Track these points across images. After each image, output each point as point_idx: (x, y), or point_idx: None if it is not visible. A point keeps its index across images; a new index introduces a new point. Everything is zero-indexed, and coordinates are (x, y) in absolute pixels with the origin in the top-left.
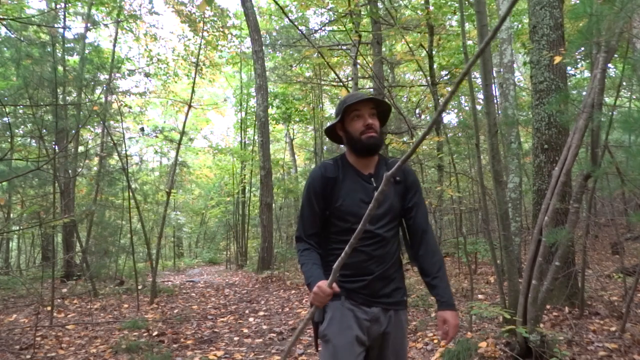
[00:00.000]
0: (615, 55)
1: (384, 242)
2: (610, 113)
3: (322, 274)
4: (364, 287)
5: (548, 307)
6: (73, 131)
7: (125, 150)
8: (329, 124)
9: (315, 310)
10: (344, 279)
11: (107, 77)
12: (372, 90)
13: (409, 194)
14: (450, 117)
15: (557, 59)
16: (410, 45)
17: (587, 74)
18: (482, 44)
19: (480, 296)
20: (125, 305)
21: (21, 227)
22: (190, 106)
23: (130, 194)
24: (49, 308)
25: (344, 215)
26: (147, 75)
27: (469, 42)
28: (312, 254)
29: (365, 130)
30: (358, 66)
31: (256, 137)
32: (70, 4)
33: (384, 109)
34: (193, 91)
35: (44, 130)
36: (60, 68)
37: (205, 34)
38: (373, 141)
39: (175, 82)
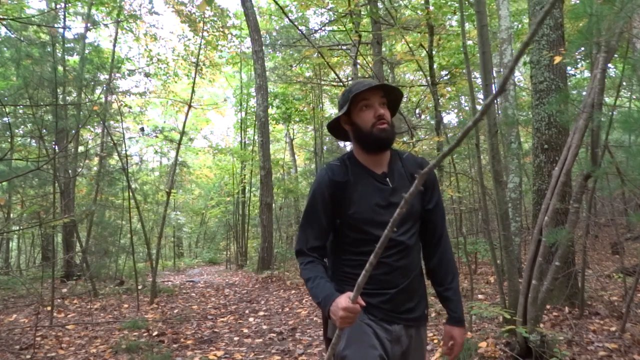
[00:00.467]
0: (615, 55)
1: (407, 250)
2: (610, 113)
3: (334, 288)
4: (386, 301)
5: (548, 307)
6: (73, 131)
7: (125, 150)
8: (332, 119)
9: (340, 333)
10: (364, 290)
11: (107, 77)
12: None
13: (428, 193)
14: (450, 117)
15: (557, 59)
16: (410, 45)
17: (587, 74)
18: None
19: (480, 296)
20: (125, 305)
21: (21, 227)
22: (190, 106)
23: (130, 194)
24: (49, 308)
25: (359, 225)
26: (147, 75)
27: (469, 42)
28: (317, 266)
29: (376, 122)
30: (358, 66)
31: (256, 137)
32: (70, 4)
33: (394, 98)
34: (193, 91)
35: (44, 130)
36: (60, 68)
37: (205, 34)
38: (385, 135)
39: (175, 82)
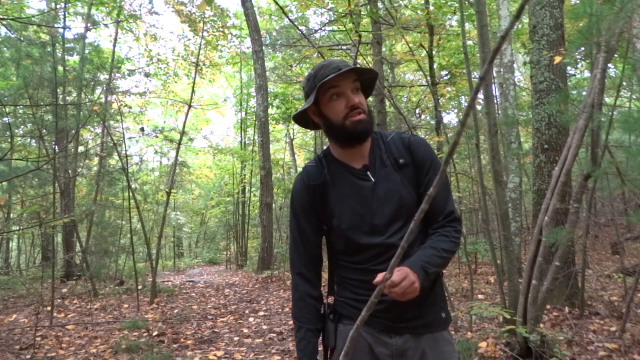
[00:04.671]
0: (615, 55)
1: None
2: (610, 113)
3: (315, 353)
4: (384, 310)
5: (548, 307)
6: (73, 131)
7: (125, 150)
8: (298, 109)
9: None
10: (359, 297)
11: (107, 77)
12: None
13: (422, 175)
14: (450, 117)
15: (557, 59)
16: (410, 45)
17: (587, 74)
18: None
19: (480, 296)
20: (125, 305)
21: (21, 227)
22: (190, 106)
23: (130, 194)
24: (49, 308)
25: (342, 232)
26: (147, 75)
27: (469, 42)
28: (307, 309)
29: (349, 112)
30: (358, 66)
31: (256, 137)
32: (70, 4)
33: (369, 77)
34: (193, 91)
35: (44, 130)
36: (60, 68)
37: (205, 34)
38: (362, 127)
39: (175, 82)
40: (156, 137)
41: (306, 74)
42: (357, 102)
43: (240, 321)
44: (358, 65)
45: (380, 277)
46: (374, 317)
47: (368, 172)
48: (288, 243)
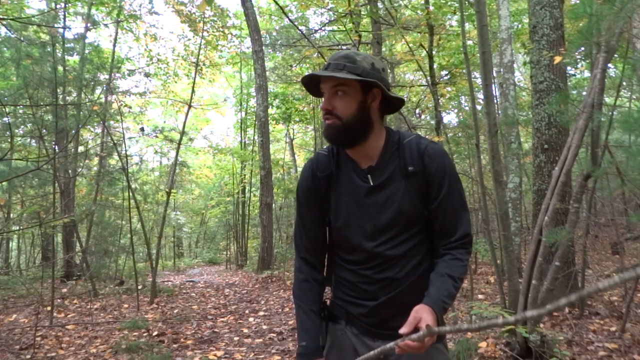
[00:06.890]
0: (615, 55)
1: (391, 262)
2: (610, 113)
3: (318, 334)
4: (366, 314)
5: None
6: (73, 131)
7: (125, 150)
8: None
9: None
10: (347, 297)
11: (107, 77)
12: None
13: (433, 188)
14: (450, 117)
15: (557, 59)
16: (410, 45)
17: (587, 74)
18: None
19: (480, 296)
20: (125, 305)
21: (21, 227)
22: (190, 106)
23: (130, 194)
24: (49, 308)
25: (337, 229)
26: (147, 75)
27: (469, 42)
28: (311, 292)
29: (324, 114)
30: (331, 72)
31: (256, 137)
32: (70, 4)
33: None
34: (193, 91)
35: (44, 130)
36: (60, 68)
37: (205, 34)
38: (327, 133)
39: (175, 82)
40: (156, 137)
41: None
42: (325, 107)
43: (240, 321)
44: (337, 70)
45: (404, 331)
46: (356, 319)
47: (369, 175)
48: (288, 242)
